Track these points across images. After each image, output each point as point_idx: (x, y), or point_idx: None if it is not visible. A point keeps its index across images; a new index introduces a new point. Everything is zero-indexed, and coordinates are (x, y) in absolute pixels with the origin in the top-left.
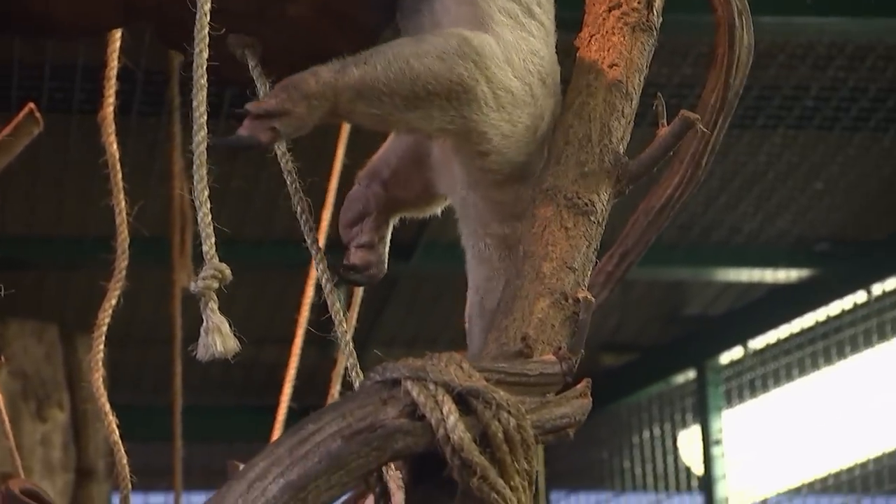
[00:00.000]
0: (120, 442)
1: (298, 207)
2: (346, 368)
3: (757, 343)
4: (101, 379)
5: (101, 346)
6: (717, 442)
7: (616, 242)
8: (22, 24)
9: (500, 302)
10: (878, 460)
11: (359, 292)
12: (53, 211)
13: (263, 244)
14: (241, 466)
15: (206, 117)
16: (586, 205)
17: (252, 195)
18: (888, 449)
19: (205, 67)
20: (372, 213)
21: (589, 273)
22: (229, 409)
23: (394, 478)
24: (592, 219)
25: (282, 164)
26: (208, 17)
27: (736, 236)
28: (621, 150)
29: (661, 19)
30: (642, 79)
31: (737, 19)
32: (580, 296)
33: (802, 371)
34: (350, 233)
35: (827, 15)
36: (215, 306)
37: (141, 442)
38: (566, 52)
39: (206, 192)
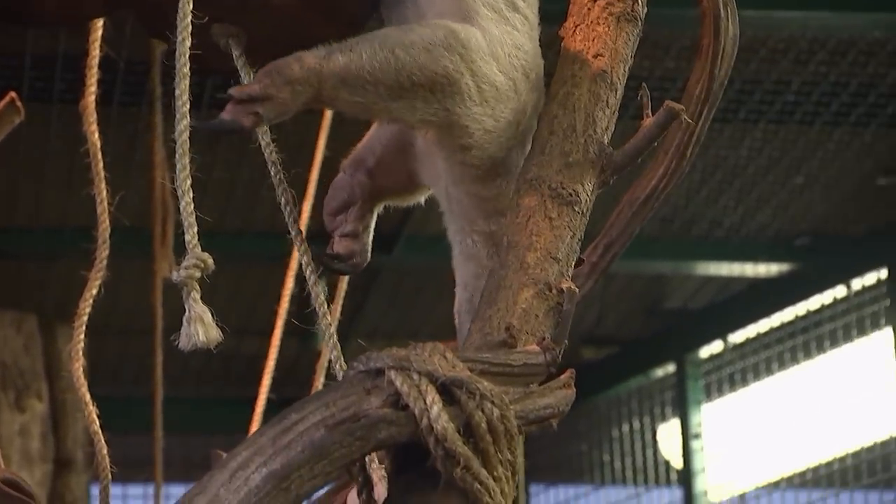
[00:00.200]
0: (100, 432)
1: (283, 199)
2: (329, 360)
3: (737, 337)
4: (80, 369)
5: (82, 336)
6: (697, 436)
7: (600, 233)
8: (3, 13)
9: (484, 292)
10: (856, 455)
11: (342, 285)
12: (34, 200)
13: (245, 235)
14: (224, 455)
15: (188, 106)
16: (570, 195)
17: (234, 185)
18: (866, 443)
19: (188, 56)
20: (357, 202)
21: (573, 263)
22: (209, 401)
23: (376, 469)
24: (577, 209)
25: (266, 155)
26: (191, 6)
27: (716, 230)
28: (606, 141)
29: (645, 10)
30: (627, 69)
31: (722, 10)
32: (564, 286)
33: (782, 365)
34: (334, 221)
35: (809, 10)
36: (198, 296)
37: (121, 433)
38: (550, 44)
39: (189, 182)
